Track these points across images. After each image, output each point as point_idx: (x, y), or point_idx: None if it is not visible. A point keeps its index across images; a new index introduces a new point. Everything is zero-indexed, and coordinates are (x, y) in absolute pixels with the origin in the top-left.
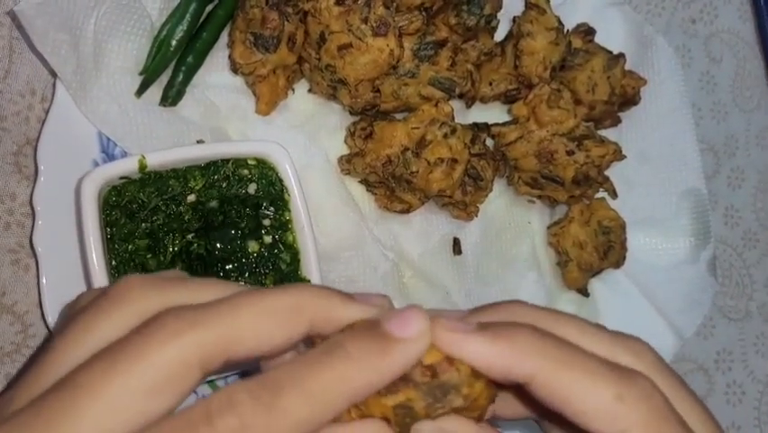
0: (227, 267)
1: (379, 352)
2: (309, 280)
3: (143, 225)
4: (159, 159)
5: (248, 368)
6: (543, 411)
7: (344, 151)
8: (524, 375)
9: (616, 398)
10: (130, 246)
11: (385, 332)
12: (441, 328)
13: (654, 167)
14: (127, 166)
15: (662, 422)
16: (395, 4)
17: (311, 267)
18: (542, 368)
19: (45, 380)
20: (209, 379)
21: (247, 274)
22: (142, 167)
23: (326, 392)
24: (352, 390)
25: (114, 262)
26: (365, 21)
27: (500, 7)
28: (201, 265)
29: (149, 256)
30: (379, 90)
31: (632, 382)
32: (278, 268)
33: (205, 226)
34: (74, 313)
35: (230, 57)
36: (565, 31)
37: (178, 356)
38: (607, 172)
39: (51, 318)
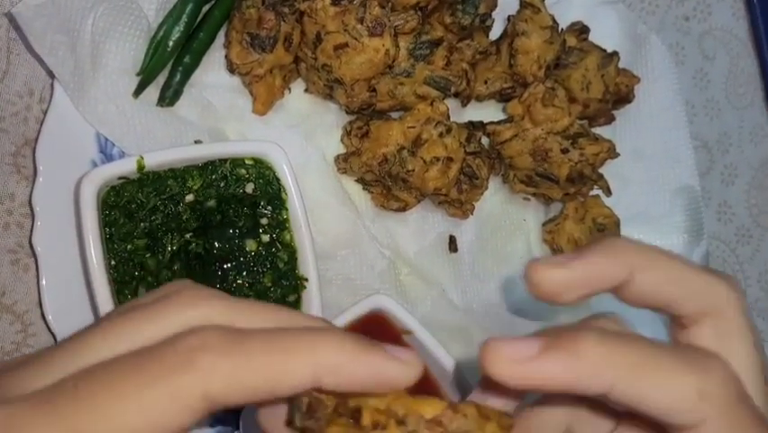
0: (225, 266)
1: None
2: (307, 279)
3: (142, 224)
4: (157, 159)
5: None
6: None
7: (341, 150)
8: (601, 390)
9: (697, 394)
10: (129, 246)
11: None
12: (503, 361)
13: (648, 164)
14: (125, 166)
15: (737, 409)
16: (390, 4)
17: (308, 265)
18: (619, 379)
19: (69, 363)
20: None
21: (245, 273)
22: (141, 167)
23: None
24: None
25: (113, 262)
26: (361, 21)
27: (495, 6)
28: (199, 264)
29: (147, 256)
30: (375, 90)
31: (709, 374)
32: (276, 266)
33: (203, 226)
34: (126, 308)
35: (227, 57)
36: (560, 29)
37: (194, 387)
38: (601, 170)
39: (51, 317)
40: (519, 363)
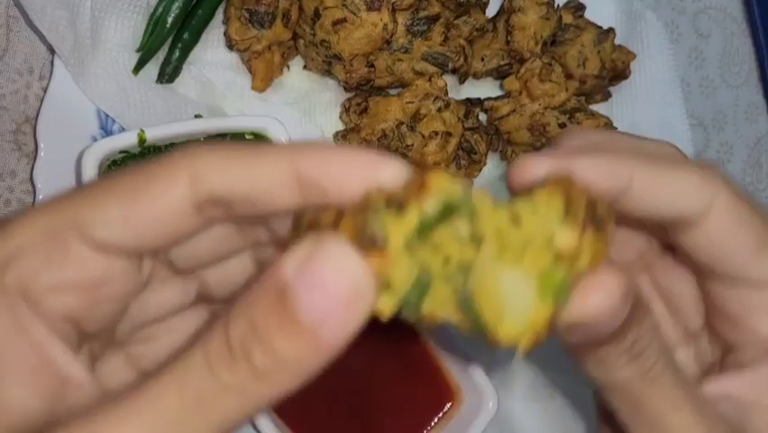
0: None
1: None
2: None
3: None
4: (158, 133)
5: None
6: None
7: (340, 126)
8: (624, 182)
9: (700, 178)
10: None
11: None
12: (550, 162)
13: None
14: (127, 140)
15: (738, 197)
16: None
17: None
18: (637, 170)
19: None
20: None
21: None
22: (142, 141)
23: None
24: None
25: None
26: None
27: None
28: None
29: None
30: (373, 65)
31: (710, 169)
32: None
33: None
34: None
35: (225, 33)
36: (556, 6)
37: (184, 175)
38: None
39: None
40: (554, 161)
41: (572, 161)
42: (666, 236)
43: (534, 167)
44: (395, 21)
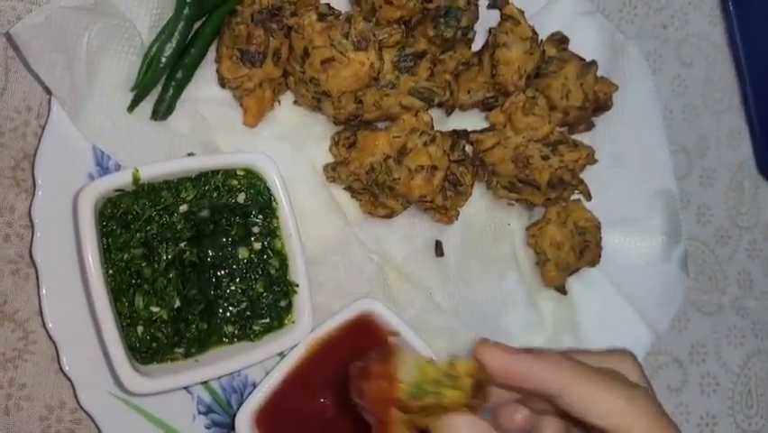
0: (219, 273)
1: None
2: (297, 285)
3: (138, 234)
4: (152, 171)
5: None
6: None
7: (329, 159)
8: (557, 388)
9: (626, 400)
10: (125, 255)
11: None
12: (496, 354)
13: (627, 169)
14: (122, 179)
15: (660, 417)
16: (374, 19)
17: (299, 271)
18: (568, 384)
19: None
20: (205, 380)
21: (238, 280)
22: (136, 179)
23: None
24: None
25: (110, 271)
26: (346, 36)
27: (477, 19)
28: (194, 272)
29: (144, 264)
30: (361, 101)
31: (636, 389)
32: (268, 273)
33: (197, 235)
34: None
35: (218, 72)
36: (540, 40)
37: None
38: (582, 175)
39: (51, 325)
40: (505, 356)
41: (518, 360)
42: None
43: (489, 356)
44: (381, 59)
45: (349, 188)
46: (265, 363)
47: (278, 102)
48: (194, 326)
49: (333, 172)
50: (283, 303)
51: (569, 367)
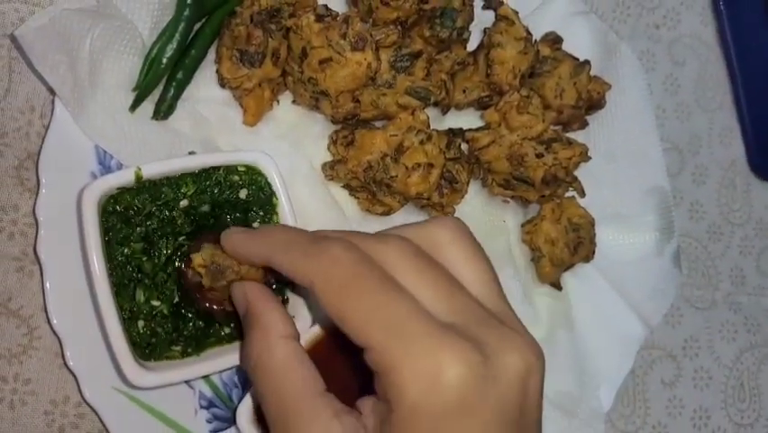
0: None
1: None
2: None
3: (138, 229)
4: (154, 170)
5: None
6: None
7: (328, 158)
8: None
9: (303, 255)
10: (126, 250)
11: None
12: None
13: (621, 166)
14: (124, 177)
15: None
16: (371, 19)
17: None
18: (273, 255)
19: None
20: (204, 375)
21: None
22: (138, 178)
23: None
24: None
25: (111, 265)
26: (344, 36)
27: (472, 20)
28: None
29: (144, 259)
30: (358, 100)
31: (322, 250)
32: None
33: (196, 229)
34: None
35: (217, 72)
36: (534, 40)
37: None
38: (576, 172)
39: (55, 321)
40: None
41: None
42: None
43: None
44: (378, 59)
45: (347, 186)
46: None
47: (278, 101)
48: (191, 324)
49: (331, 171)
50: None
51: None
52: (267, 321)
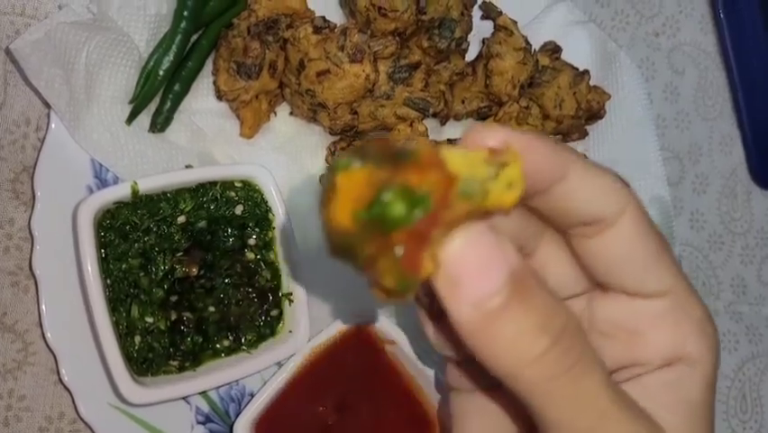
0: (214, 283)
1: None
2: (291, 294)
3: (136, 245)
4: (150, 184)
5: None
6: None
7: (325, 169)
8: (563, 168)
9: (620, 183)
10: (123, 265)
11: None
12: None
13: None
14: (120, 192)
15: (644, 209)
16: (369, 31)
17: (295, 281)
18: (574, 161)
19: None
20: (203, 390)
21: (231, 290)
22: (135, 192)
23: None
24: None
25: (108, 281)
26: (342, 48)
27: (470, 30)
28: (189, 282)
29: (141, 274)
30: (356, 112)
31: (623, 180)
32: (260, 283)
33: (192, 246)
34: None
35: (214, 84)
36: (533, 50)
37: None
38: None
39: (50, 336)
40: (509, 134)
41: (524, 138)
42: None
43: (491, 133)
44: (377, 70)
45: None
46: (263, 373)
47: (275, 113)
48: (189, 339)
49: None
50: (274, 312)
51: (569, 151)
52: None
